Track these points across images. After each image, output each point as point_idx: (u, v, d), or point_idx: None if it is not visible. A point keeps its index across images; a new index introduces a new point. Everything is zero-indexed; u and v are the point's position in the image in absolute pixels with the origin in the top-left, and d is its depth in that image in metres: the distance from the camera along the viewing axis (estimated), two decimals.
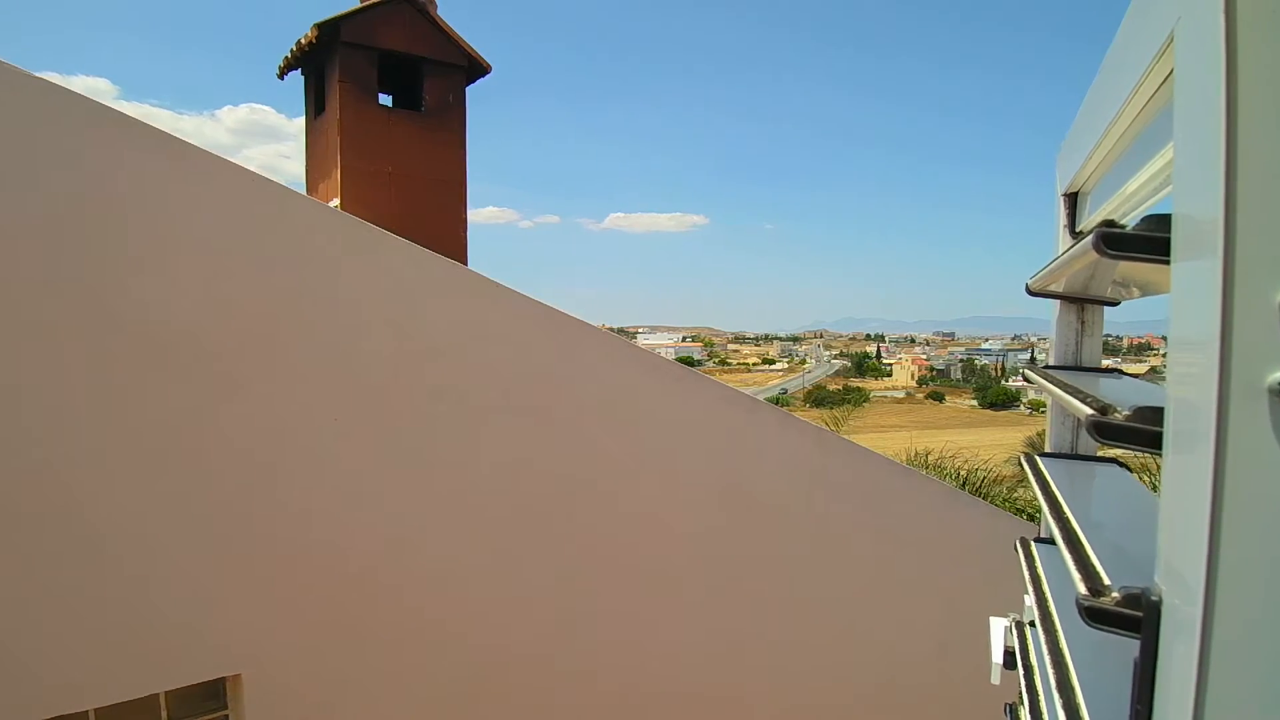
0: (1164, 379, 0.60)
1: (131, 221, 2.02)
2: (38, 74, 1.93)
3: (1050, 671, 0.78)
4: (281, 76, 4.55)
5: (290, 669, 2.32)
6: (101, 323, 2.00)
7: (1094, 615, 0.59)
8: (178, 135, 2.09)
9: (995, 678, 1.24)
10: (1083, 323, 1.24)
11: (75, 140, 1.96)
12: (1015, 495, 7.59)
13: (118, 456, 2.04)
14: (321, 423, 2.33)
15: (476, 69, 4.54)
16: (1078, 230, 1.18)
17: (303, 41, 4.19)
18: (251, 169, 2.22)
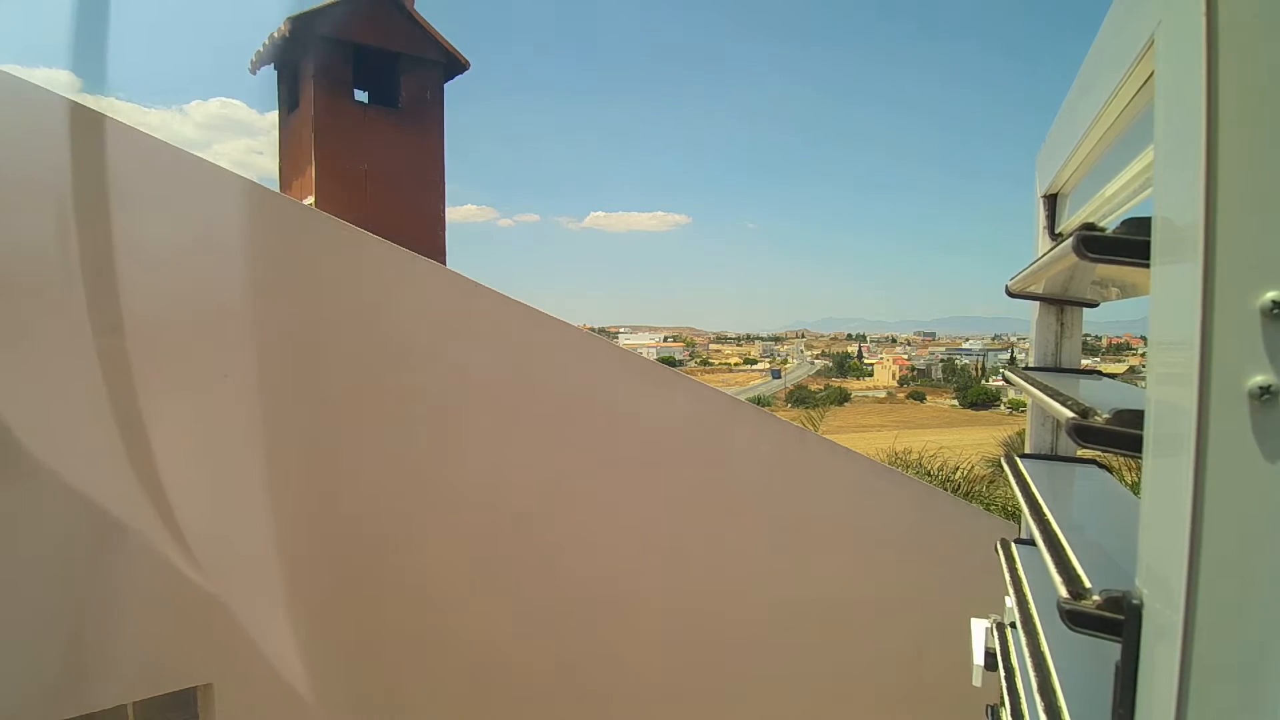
0: (1143, 380, 0.60)
1: (94, 217, 1.97)
2: None
3: (1031, 674, 0.78)
4: (254, 71, 4.47)
5: (263, 677, 2.28)
6: (59, 319, 1.95)
7: (1075, 618, 0.59)
8: (144, 129, 2.04)
9: (977, 679, 1.24)
10: (1062, 324, 1.25)
11: (44, 136, 1.90)
12: (995, 494, 7.69)
13: (76, 459, 1.99)
14: (294, 424, 2.29)
15: (454, 65, 4.50)
16: (1057, 232, 1.19)
17: (275, 35, 4.13)
18: (221, 164, 2.17)
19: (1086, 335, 1.31)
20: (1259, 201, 0.46)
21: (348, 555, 2.38)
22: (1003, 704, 1.06)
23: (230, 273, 2.18)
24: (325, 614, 2.37)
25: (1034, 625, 0.84)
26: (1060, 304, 1.25)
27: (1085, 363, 1.29)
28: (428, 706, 2.54)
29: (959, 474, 8.24)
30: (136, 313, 2.04)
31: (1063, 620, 0.58)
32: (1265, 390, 0.45)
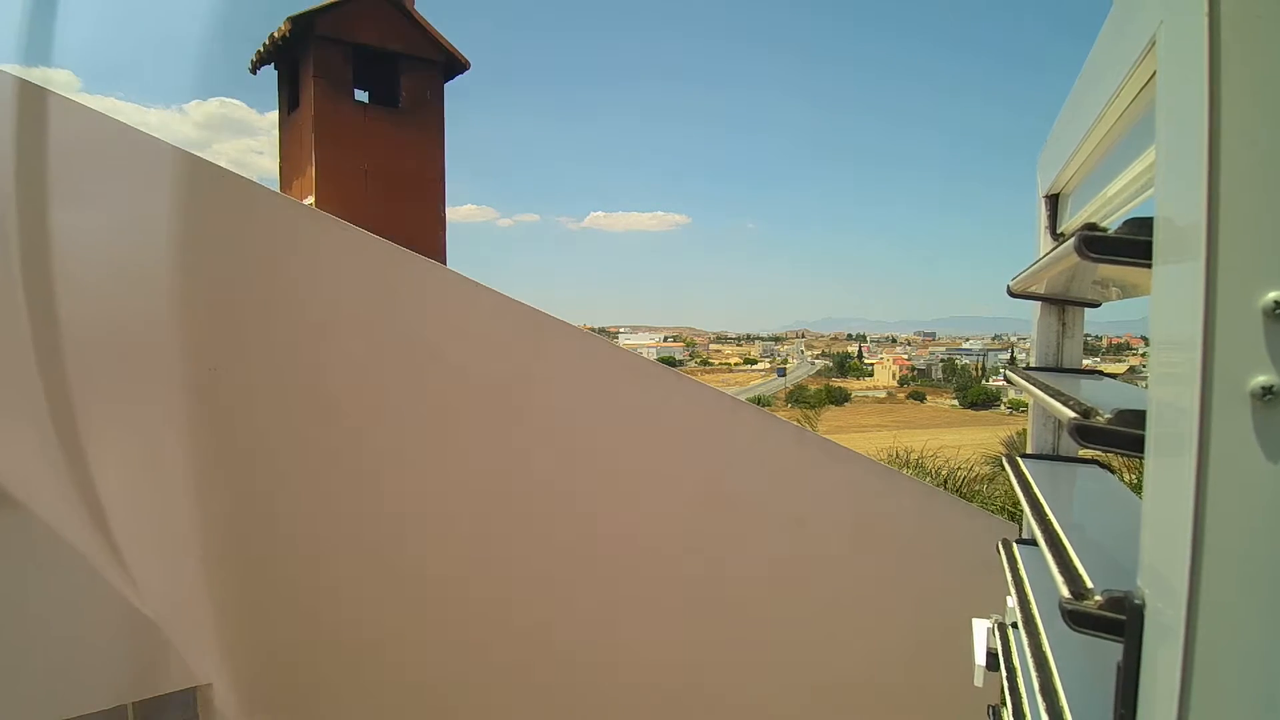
0: (1144, 380, 0.60)
1: (88, 216, 1.98)
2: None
3: (1033, 674, 0.78)
4: (254, 71, 4.48)
5: (263, 677, 2.28)
6: (52, 322, 1.96)
7: (1076, 619, 0.59)
8: (143, 129, 2.04)
9: (978, 680, 1.24)
10: (1063, 324, 1.25)
11: (40, 135, 1.90)
12: (994, 492, 7.69)
13: (73, 458, 1.99)
14: (294, 425, 2.28)
15: (455, 65, 4.50)
16: (1059, 232, 1.19)
17: (276, 35, 4.13)
18: (221, 164, 2.17)
19: (1087, 335, 1.31)
20: (1261, 201, 0.46)
21: (347, 554, 2.38)
22: (1004, 704, 1.06)
23: (229, 272, 2.18)
24: (325, 614, 2.37)
25: (1035, 625, 0.84)
26: (1062, 304, 1.25)
27: (1086, 363, 1.29)
28: (428, 706, 2.54)
29: (961, 472, 8.25)
30: (136, 310, 2.05)
31: (1064, 620, 0.58)
32: (1267, 390, 0.45)
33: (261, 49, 4.31)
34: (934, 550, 3.22)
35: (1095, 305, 1.24)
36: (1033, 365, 1.28)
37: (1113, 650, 0.57)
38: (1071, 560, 0.67)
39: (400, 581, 2.47)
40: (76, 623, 1.99)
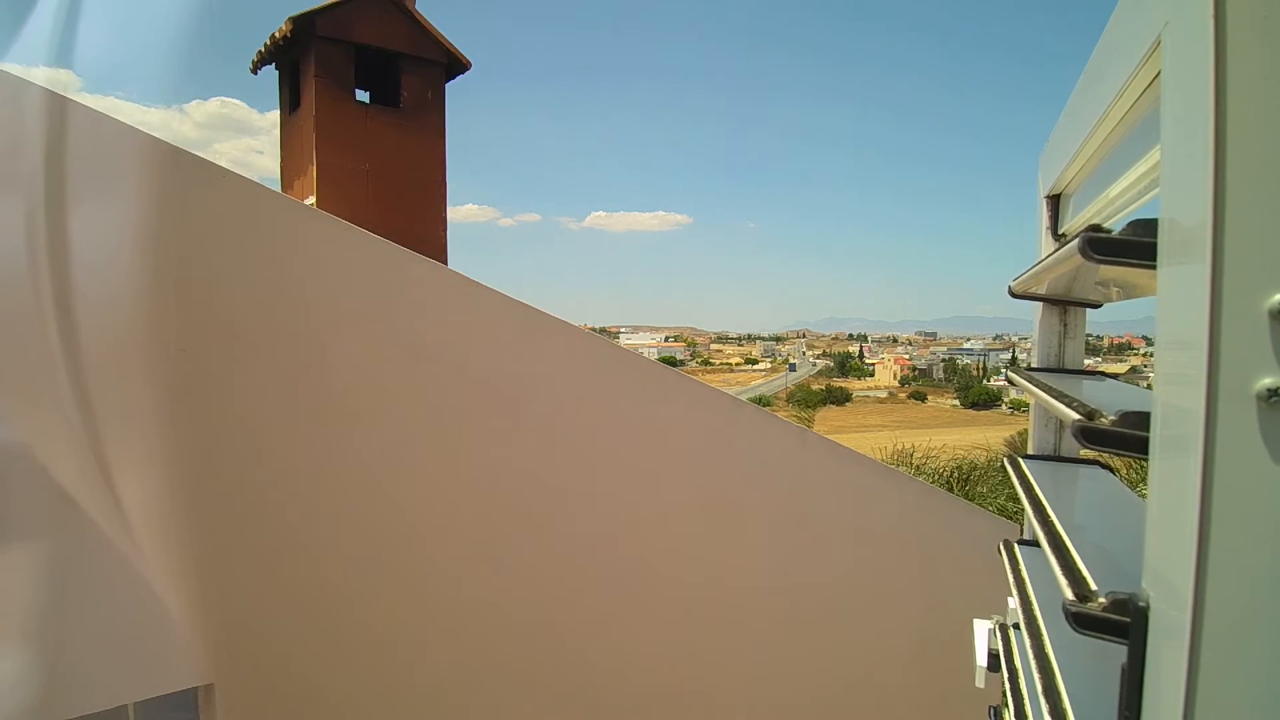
0: (1145, 380, 0.60)
1: (89, 215, 1.98)
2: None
3: (1036, 675, 0.77)
4: (255, 71, 4.48)
5: (264, 677, 2.28)
6: (54, 317, 1.95)
7: (1081, 621, 0.58)
8: (143, 129, 2.04)
9: (980, 681, 1.24)
10: (1065, 325, 1.24)
11: (45, 133, 1.91)
12: (1000, 490, 7.67)
13: (72, 457, 1.99)
14: (295, 425, 2.28)
15: (455, 65, 4.50)
16: (1060, 233, 1.19)
17: (277, 35, 4.13)
18: (222, 164, 2.17)
19: (1087, 335, 1.31)
20: (1267, 203, 0.46)
21: (347, 555, 2.38)
22: (1005, 705, 1.05)
23: (230, 272, 2.18)
24: (326, 614, 2.37)
25: (1038, 627, 0.84)
26: (1063, 305, 1.25)
27: (1087, 363, 1.29)
28: (428, 706, 2.54)
29: (962, 472, 8.22)
30: (135, 309, 2.05)
31: (1068, 622, 0.58)
32: (1273, 392, 0.45)
33: (262, 49, 4.31)
34: (935, 550, 3.21)
35: (1097, 306, 1.23)
36: (1034, 366, 1.28)
37: (1116, 652, 0.57)
38: (1075, 562, 0.67)
39: (401, 581, 2.47)
40: (77, 623, 1.99)
